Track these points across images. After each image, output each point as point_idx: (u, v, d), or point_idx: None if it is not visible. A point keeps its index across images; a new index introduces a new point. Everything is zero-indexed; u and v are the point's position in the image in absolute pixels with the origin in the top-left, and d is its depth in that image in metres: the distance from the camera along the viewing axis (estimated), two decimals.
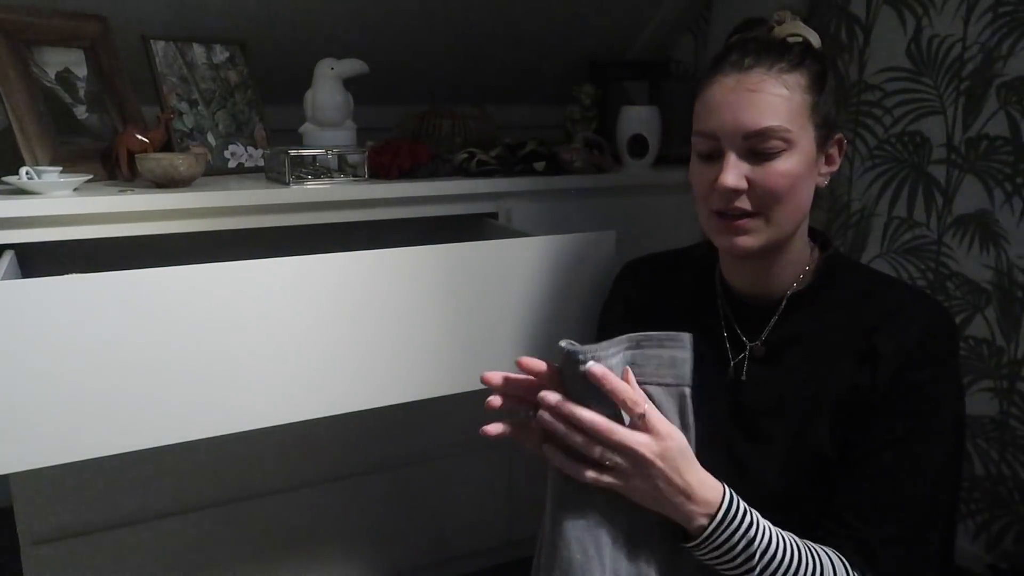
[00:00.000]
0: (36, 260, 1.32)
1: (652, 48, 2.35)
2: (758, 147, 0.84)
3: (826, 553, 0.84)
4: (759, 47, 0.86)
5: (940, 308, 0.90)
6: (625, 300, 1.10)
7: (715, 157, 0.87)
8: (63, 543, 1.42)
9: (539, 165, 1.64)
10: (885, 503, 0.85)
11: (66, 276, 0.97)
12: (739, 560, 0.80)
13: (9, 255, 1.20)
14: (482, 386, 1.26)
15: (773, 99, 0.83)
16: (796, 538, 0.83)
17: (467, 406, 1.74)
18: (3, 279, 1.03)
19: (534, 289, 1.26)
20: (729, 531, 0.79)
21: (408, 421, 1.69)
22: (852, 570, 0.83)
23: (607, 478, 0.79)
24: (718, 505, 0.79)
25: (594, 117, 2.06)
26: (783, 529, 0.84)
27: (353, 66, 1.62)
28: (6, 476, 1.29)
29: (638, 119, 1.83)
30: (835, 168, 0.92)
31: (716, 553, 0.80)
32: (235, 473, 1.55)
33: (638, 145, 1.83)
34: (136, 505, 1.48)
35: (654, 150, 1.83)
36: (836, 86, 0.89)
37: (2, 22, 1.34)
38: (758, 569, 0.80)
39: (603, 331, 1.13)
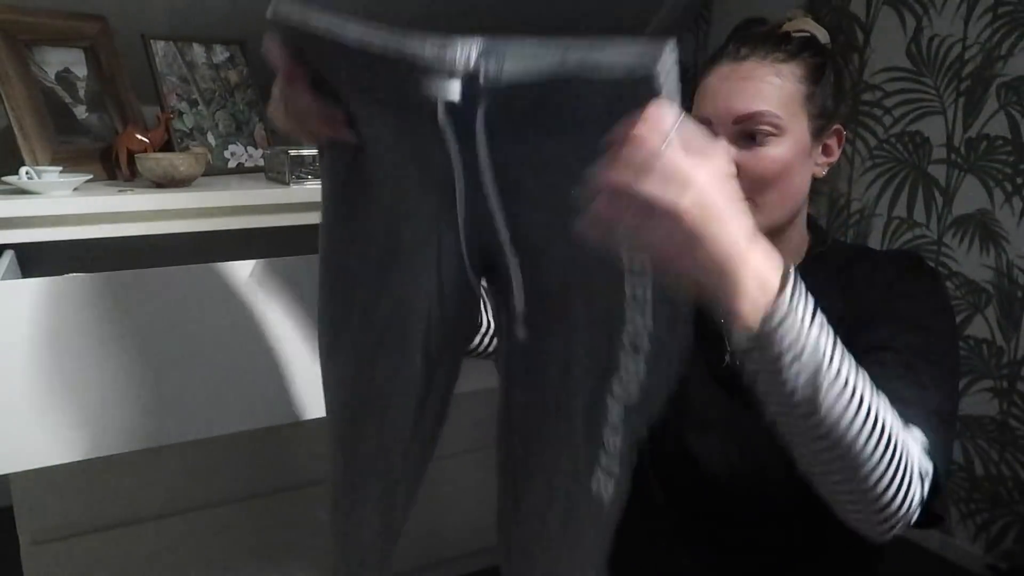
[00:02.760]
0: (36, 260, 1.32)
1: None
2: (748, 131, 0.86)
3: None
4: (757, 38, 0.89)
5: (919, 254, 0.93)
6: None
7: None
8: (63, 543, 1.42)
9: None
10: (913, 386, 0.76)
11: (66, 276, 0.97)
12: (807, 367, 0.60)
13: (9, 255, 1.20)
14: (481, 386, 1.26)
15: (764, 86, 0.86)
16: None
17: (466, 406, 1.75)
18: (3, 279, 1.03)
19: None
20: (795, 316, 0.59)
21: None
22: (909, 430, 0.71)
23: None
24: (781, 273, 0.59)
25: None
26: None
27: None
28: (6, 476, 1.29)
29: None
30: (833, 159, 0.93)
31: (776, 351, 0.60)
32: (235, 473, 1.55)
33: None
34: (136, 505, 1.48)
35: None
36: (838, 80, 0.91)
37: (2, 22, 1.34)
38: (824, 385, 0.61)
39: None
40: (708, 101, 0.89)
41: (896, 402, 0.69)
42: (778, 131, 0.86)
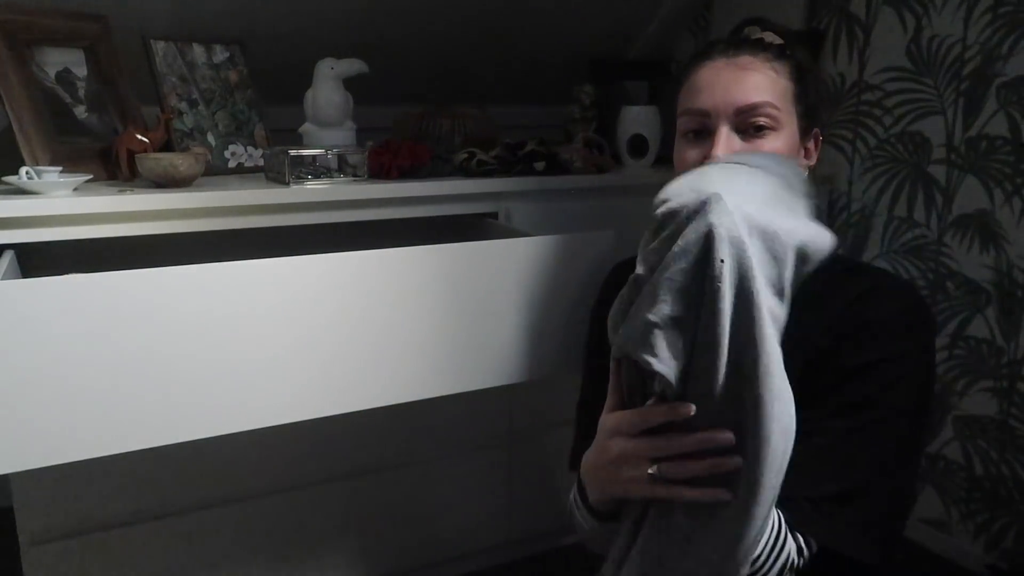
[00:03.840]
0: (36, 260, 1.32)
1: (652, 48, 2.35)
2: (749, 121, 0.86)
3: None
4: (740, 41, 0.90)
5: (913, 289, 0.91)
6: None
7: (703, 136, 0.89)
8: (63, 543, 1.42)
9: (539, 165, 1.64)
10: (833, 466, 0.82)
11: (66, 276, 0.97)
12: None
13: (9, 255, 1.20)
14: (480, 387, 1.27)
15: (763, 78, 0.86)
16: None
17: (466, 406, 1.75)
18: (3, 279, 1.03)
19: (534, 289, 1.26)
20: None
21: (407, 421, 1.69)
22: (786, 528, 0.81)
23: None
24: None
25: (594, 117, 2.06)
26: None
27: (353, 66, 1.62)
28: (6, 476, 1.29)
29: (638, 119, 1.83)
30: (812, 163, 0.94)
31: None
32: (235, 473, 1.55)
33: (638, 145, 1.83)
34: (136, 505, 1.48)
35: (654, 150, 1.83)
36: (816, 84, 0.92)
37: (2, 22, 1.34)
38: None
39: (594, 336, 1.14)
40: (705, 93, 0.88)
41: (818, 477, 0.81)
42: (776, 124, 0.86)
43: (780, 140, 0.87)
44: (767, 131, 0.86)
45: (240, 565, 1.59)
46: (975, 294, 1.77)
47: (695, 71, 0.90)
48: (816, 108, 0.91)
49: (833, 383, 0.84)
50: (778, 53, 0.89)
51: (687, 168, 0.90)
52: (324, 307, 1.11)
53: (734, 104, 0.86)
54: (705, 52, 0.90)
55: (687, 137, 0.91)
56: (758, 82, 0.86)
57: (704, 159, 0.87)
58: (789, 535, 0.80)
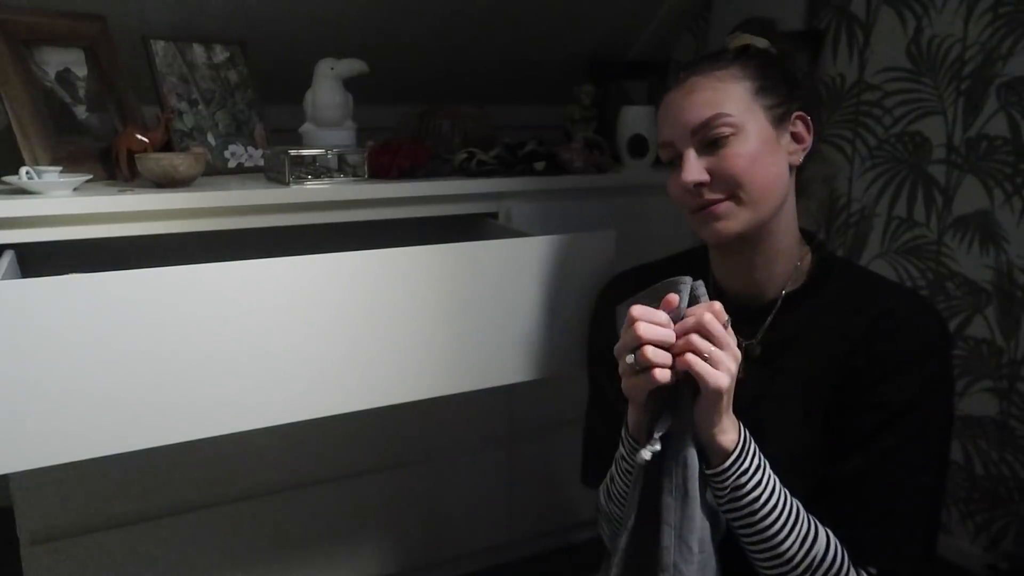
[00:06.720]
0: (36, 260, 1.32)
1: (652, 48, 2.35)
2: (707, 137, 0.90)
3: (825, 531, 0.88)
4: (697, 61, 0.95)
5: (933, 310, 0.94)
6: (612, 323, 1.11)
7: (678, 162, 0.94)
8: (63, 543, 1.42)
9: (539, 165, 1.64)
10: (876, 504, 0.88)
11: (66, 276, 0.97)
12: (746, 501, 0.84)
13: (9, 255, 1.20)
14: (480, 387, 1.27)
15: (709, 93, 0.91)
16: (800, 506, 0.87)
17: (467, 405, 1.75)
18: (3, 279, 1.03)
19: (534, 289, 1.26)
20: (741, 471, 0.84)
21: (408, 421, 1.69)
22: (850, 564, 0.87)
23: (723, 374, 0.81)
24: (735, 444, 0.84)
25: (594, 117, 2.06)
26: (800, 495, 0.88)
27: (353, 66, 1.62)
28: (6, 476, 1.29)
29: (638, 119, 1.83)
30: (806, 145, 0.95)
31: (728, 486, 0.85)
32: (235, 473, 1.55)
33: (638, 145, 1.83)
34: (136, 505, 1.48)
35: (654, 150, 1.83)
36: (787, 69, 0.95)
37: (2, 22, 1.34)
38: (761, 513, 0.84)
39: (595, 356, 1.14)
40: (666, 125, 0.94)
41: (866, 515, 0.88)
42: (735, 129, 0.89)
43: (745, 142, 0.89)
44: (728, 138, 0.89)
45: (240, 565, 1.59)
46: (975, 294, 1.77)
47: (660, 106, 0.97)
48: (790, 92, 0.93)
49: (873, 417, 0.89)
50: (730, 59, 0.93)
51: (676, 193, 0.95)
52: (324, 307, 1.11)
53: (687, 127, 0.91)
54: (667, 86, 0.97)
55: (670, 166, 0.97)
56: (703, 99, 0.90)
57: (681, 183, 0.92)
58: (853, 570, 0.87)
